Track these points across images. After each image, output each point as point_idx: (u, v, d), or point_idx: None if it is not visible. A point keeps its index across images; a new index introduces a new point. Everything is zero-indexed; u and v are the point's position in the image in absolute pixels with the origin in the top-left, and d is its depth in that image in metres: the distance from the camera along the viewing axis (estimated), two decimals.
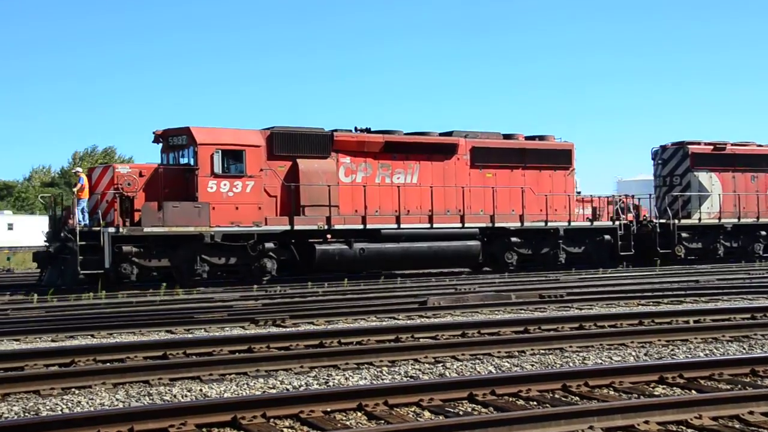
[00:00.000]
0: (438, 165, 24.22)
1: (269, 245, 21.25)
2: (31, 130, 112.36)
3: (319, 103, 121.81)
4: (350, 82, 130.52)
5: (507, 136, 25.95)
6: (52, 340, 11.21)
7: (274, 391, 7.81)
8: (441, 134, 24.88)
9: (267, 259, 21.33)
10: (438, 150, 24.33)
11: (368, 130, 23.64)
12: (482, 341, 10.11)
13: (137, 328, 12.08)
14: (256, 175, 21.18)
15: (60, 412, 6.94)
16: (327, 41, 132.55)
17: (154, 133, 21.69)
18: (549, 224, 25.46)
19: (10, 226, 57.52)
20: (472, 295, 16.12)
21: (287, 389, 7.88)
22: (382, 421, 6.45)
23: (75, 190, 20.42)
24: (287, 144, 21.95)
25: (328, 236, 22.24)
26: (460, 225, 24.06)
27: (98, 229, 19.51)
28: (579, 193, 30.44)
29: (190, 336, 11.43)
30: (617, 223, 26.92)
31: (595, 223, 26.86)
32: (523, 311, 14.20)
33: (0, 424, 6.19)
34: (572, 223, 25.96)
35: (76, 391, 7.74)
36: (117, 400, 7.41)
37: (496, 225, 24.66)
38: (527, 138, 26.34)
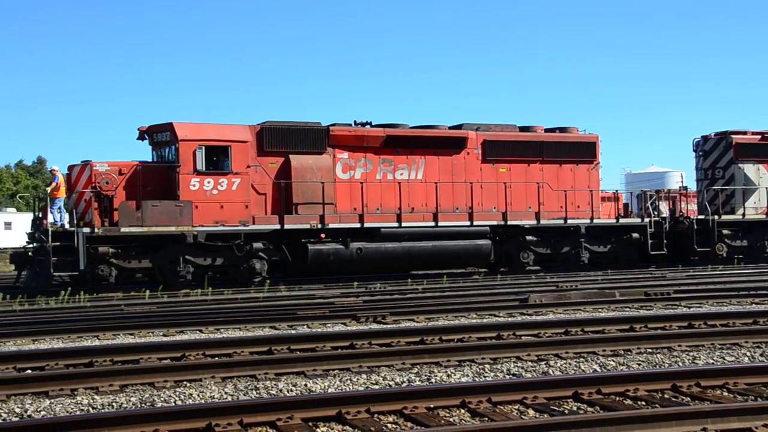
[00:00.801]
0: (446, 160, 22.96)
1: (257, 245, 20.33)
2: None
3: (325, 102, 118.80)
4: (360, 80, 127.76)
5: (524, 129, 24.46)
6: (164, 335, 11.66)
7: (377, 387, 7.88)
8: (451, 128, 23.59)
9: (256, 260, 20.44)
10: (445, 144, 23.05)
11: (369, 124, 22.41)
12: (586, 339, 9.90)
13: (243, 323, 12.42)
14: (242, 171, 20.32)
15: (173, 404, 7.21)
16: (333, 39, 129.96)
17: (138, 129, 20.86)
18: (569, 221, 23.93)
19: (8, 226, 52.93)
20: (574, 292, 15.83)
21: (390, 385, 7.94)
22: (486, 419, 6.41)
23: (49, 189, 20.06)
24: (279, 139, 20.98)
25: (322, 235, 21.11)
26: (468, 223, 22.77)
27: (73, 229, 18.89)
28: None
29: (293, 332, 11.66)
30: (647, 219, 25.22)
31: (622, 220, 25.18)
32: (627, 309, 13.83)
33: (120, 413, 6.49)
34: (595, 220, 24.32)
35: (188, 384, 8.02)
36: (226, 393, 7.64)
37: (509, 223, 23.29)
38: (547, 130, 24.75)
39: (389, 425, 6.40)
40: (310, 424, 6.36)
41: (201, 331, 11.98)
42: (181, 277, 19.66)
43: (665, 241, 25.13)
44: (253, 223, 20.41)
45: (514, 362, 8.93)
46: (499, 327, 10.95)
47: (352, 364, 8.73)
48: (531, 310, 13.62)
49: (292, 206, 20.88)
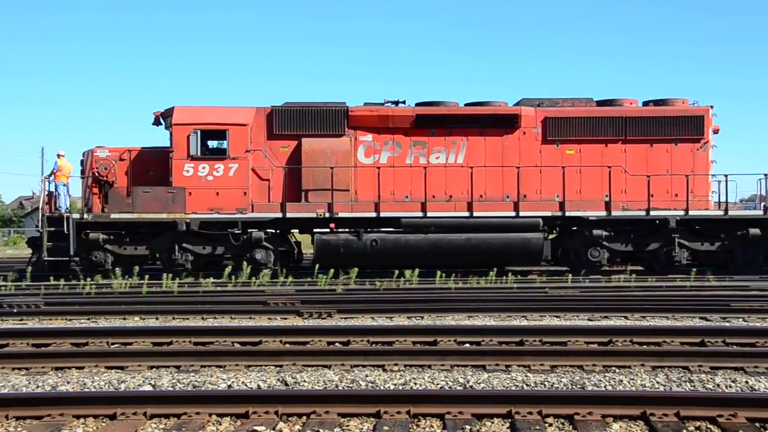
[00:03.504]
0: (494, 141, 19.78)
1: (257, 235, 19.00)
2: None
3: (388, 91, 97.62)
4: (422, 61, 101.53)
5: (603, 103, 20.22)
6: (589, 319, 11.77)
7: None
8: (514, 105, 20.20)
9: (258, 250, 19.11)
10: (492, 123, 19.73)
11: (402, 103, 19.79)
12: None
13: (670, 312, 12.04)
14: (241, 156, 19.03)
15: (603, 389, 7.23)
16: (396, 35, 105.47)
17: (154, 114, 19.98)
18: (652, 213, 19.32)
19: None
20: None
21: None
22: None
23: (45, 175, 19.90)
24: (290, 121, 19.36)
25: (332, 225, 19.17)
26: (513, 213, 19.34)
27: (66, 215, 18.87)
28: None
29: (727, 324, 10.91)
30: None
31: (732, 213, 19.60)
32: None
33: (554, 393, 6.69)
34: (691, 212, 19.32)
35: (617, 370, 7.97)
36: (657, 383, 7.43)
37: (567, 214, 19.35)
38: (644, 103, 20.27)
39: None
40: (757, 425, 5.87)
41: (626, 317, 11.85)
42: (178, 266, 19.01)
43: None
44: (252, 211, 19.22)
45: None
46: None
47: None
48: None
49: (302, 193, 19.36)
